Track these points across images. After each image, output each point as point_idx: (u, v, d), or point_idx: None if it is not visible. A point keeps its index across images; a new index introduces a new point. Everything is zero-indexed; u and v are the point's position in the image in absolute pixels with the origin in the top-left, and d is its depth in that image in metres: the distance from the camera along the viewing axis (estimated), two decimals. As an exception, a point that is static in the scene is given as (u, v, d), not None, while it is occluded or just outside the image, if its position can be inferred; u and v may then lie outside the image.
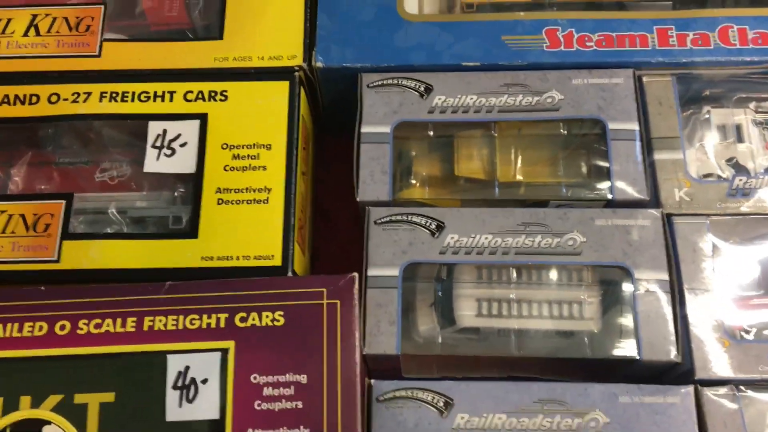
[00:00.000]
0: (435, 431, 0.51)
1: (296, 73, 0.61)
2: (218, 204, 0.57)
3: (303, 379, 0.50)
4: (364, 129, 0.60)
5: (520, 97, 0.60)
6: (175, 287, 0.53)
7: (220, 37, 0.63)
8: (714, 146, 0.61)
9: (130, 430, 0.49)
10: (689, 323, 0.53)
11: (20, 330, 0.52)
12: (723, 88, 0.62)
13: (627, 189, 0.57)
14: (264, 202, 0.57)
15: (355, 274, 0.53)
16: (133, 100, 0.61)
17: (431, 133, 0.62)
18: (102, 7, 0.65)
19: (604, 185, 0.58)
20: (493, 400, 0.52)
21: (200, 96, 0.61)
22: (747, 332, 0.55)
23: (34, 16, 0.64)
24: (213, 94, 0.61)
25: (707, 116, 0.62)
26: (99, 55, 0.63)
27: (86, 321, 0.52)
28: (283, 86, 0.61)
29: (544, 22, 0.62)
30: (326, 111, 0.68)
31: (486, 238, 0.56)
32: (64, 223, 0.57)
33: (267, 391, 0.50)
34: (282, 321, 0.52)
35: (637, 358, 0.53)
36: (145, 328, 0.52)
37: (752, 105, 0.62)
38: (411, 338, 0.56)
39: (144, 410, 0.50)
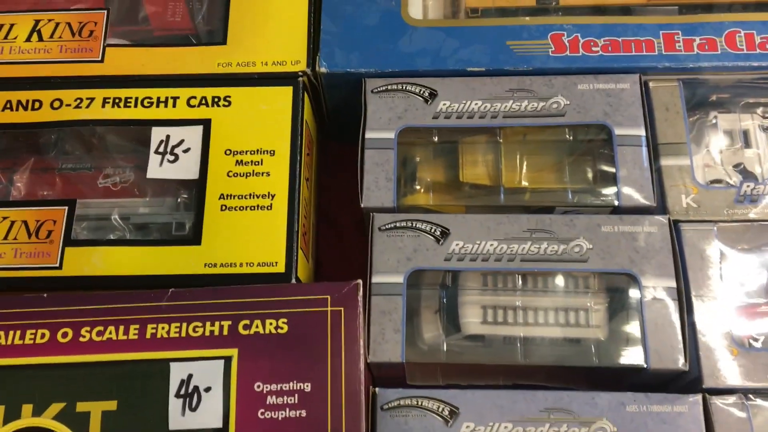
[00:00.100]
0: (440, 440, 0.51)
1: (300, 79, 0.61)
2: (221, 210, 0.57)
3: (307, 387, 0.50)
4: (369, 135, 0.59)
5: (525, 103, 0.60)
6: (177, 294, 0.52)
7: (224, 43, 0.63)
8: (721, 152, 0.61)
9: (133, 439, 0.49)
10: (697, 331, 0.53)
11: (22, 337, 0.51)
12: (730, 93, 0.62)
13: (633, 195, 0.57)
14: (267, 209, 0.57)
15: (360, 281, 0.53)
16: (136, 105, 0.61)
17: (436, 138, 0.62)
18: (105, 12, 0.64)
19: (610, 191, 0.58)
20: (499, 408, 0.51)
21: (203, 101, 0.61)
22: (756, 340, 0.55)
23: (37, 22, 0.64)
24: (216, 99, 0.61)
25: (714, 122, 0.62)
26: (102, 61, 0.63)
27: (88, 328, 0.52)
28: (287, 92, 0.61)
29: (549, 27, 0.62)
30: (330, 116, 0.68)
31: (491, 244, 0.56)
32: (67, 230, 0.57)
33: (270, 400, 0.50)
34: (285, 328, 0.51)
35: (645, 366, 0.52)
36: (148, 335, 0.51)
37: (760, 110, 0.62)
38: (416, 346, 0.56)
39: (146, 419, 0.49)
